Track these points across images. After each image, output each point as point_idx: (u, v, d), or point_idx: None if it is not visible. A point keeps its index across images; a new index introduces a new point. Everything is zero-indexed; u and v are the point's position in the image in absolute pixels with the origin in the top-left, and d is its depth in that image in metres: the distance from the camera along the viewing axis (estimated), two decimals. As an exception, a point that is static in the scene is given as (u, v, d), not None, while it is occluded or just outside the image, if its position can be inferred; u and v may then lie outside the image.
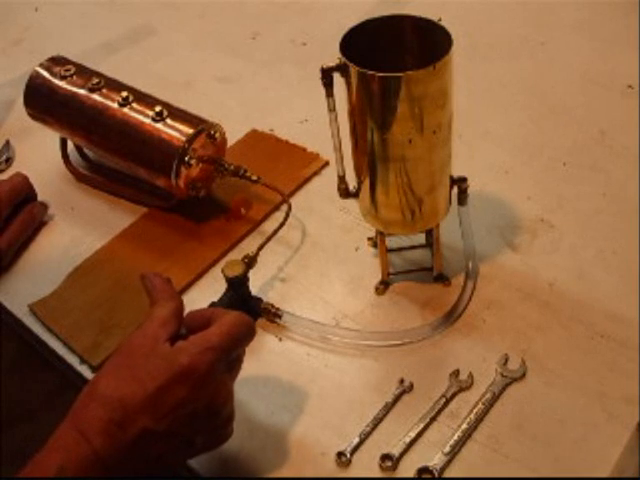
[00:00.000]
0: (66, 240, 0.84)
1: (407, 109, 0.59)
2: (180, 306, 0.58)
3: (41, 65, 0.87)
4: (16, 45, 1.20)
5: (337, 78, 0.61)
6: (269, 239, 0.76)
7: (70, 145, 0.92)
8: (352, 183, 0.70)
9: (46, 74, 0.86)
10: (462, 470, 0.59)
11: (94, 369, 0.69)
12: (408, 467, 0.60)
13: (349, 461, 0.60)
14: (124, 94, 0.82)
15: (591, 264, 0.73)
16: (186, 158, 0.77)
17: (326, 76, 0.62)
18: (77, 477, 0.51)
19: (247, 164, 0.81)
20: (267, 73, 1.06)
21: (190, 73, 1.08)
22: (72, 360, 0.71)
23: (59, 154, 0.91)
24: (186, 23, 1.21)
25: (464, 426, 0.61)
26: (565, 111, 0.92)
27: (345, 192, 0.70)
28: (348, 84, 0.61)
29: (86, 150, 0.92)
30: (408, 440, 0.61)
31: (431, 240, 0.72)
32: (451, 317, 0.69)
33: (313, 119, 0.95)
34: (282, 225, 0.77)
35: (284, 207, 0.79)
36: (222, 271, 0.70)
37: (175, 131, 0.78)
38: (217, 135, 0.80)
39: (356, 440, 0.61)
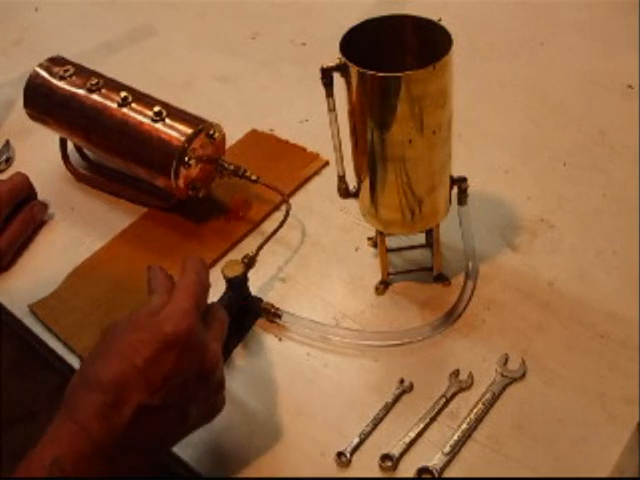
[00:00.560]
0: (66, 240, 0.84)
1: (407, 109, 0.59)
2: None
3: (40, 65, 0.87)
4: (16, 45, 1.20)
5: (337, 78, 0.61)
6: (269, 239, 0.76)
7: (70, 145, 0.92)
8: (352, 183, 0.70)
9: (45, 74, 0.86)
10: (462, 470, 0.59)
11: (94, 369, 0.69)
12: (408, 467, 0.60)
13: (349, 461, 0.60)
14: (123, 94, 0.82)
15: (591, 264, 0.73)
16: (185, 158, 0.77)
17: (326, 76, 0.62)
18: (75, 475, 0.50)
19: (247, 164, 0.81)
20: (267, 73, 1.06)
21: (190, 73, 1.08)
22: (72, 360, 0.71)
23: (59, 154, 0.91)
24: (186, 23, 1.21)
25: (464, 426, 0.61)
26: (565, 111, 0.92)
27: (345, 192, 0.70)
28: (348, 84, 0.61)
29: (86, 150, 0.92)
30: (408, 440, 0.61)
31: (431, 240, 0.72)
32: (451, 317, 0.69)
33: (313, 119, 0.95)
34: (282, 225, 0.77)
35: (284, 207, 0.79)
36: (222, 271, 0.70)
37: (174, 131, 0.78)
38: (216, 135, 0.80)
39: (356, 440, 0.61)
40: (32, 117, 0.89)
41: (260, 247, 0.75)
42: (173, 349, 0.52)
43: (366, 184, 0.67)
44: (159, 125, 0.79)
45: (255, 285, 0.74)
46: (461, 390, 0.64)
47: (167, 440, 0.56)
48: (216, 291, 0.70)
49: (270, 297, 0.74)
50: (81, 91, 0.84)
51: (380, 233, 0.70)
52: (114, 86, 0.84)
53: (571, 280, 0.72)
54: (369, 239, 0.77)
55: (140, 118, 0.80)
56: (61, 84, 0.85)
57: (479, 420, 0.62)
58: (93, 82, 0.84)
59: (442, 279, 0.73)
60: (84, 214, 0.87)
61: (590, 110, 0.92)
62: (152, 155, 0.79)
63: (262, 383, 0.67)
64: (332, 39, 0.61)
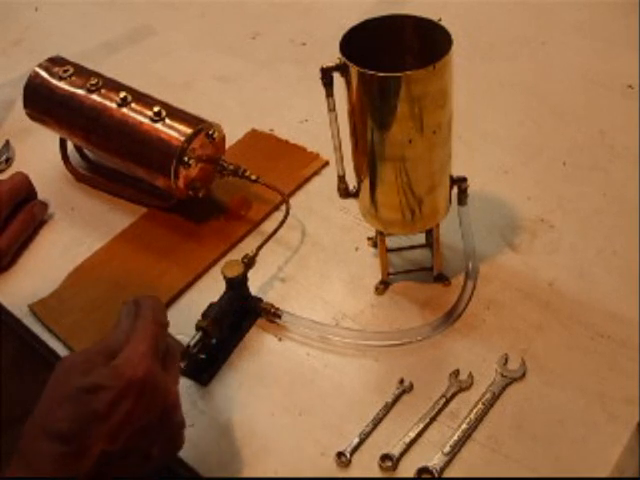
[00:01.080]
0: (66, 240, 0.83)
1: (407, 109, 0.59)
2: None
3: (40, 65, 0.87)
4: (16, 45, 1.20)
5: (337, 78, 0.61)
6: (269, 239, 0.76)
7: (70, 145, 0.92)
8: (352, 183, 0.70)
9: (45, 74, 0.86)
10: (462, 470, 0.59)
11: (94, 369, 0.69)
12: (408, 467, 0.60)
13: (349, 461, 0.60)
14: (123, 94, 0.82)
15: (591, 264, 0.73)
16: (185, 158, 0.77)
17: (326, 76, 0.62)
18: None
19: (247, 164, 0.81)
20: (267, 73, 1.06)
21: (190, 73, 1.08)
22: (72, 360, 0.71)
23: (59, 154, 0.91)
24: (186, 23, 1.21)
25: (464, 426, 0.61)
26: (565, 111, 0.92)
27: (345, 192, 0.70)
28: (348, 84, 0.61)
29: (86, 150, 0.92)
30: (408, 440, 0.61)
31: (431, 240, 0.72)
32: (451, 317, 0.69)
33: (313, 119, 0.95)
34: (281, 225, 0.77)
35: (284, 207, 0.79)
36: (222, 271, 0.70)
37: (174, 131, 0.78)
38: (216, 135, 0.80)
39: (356, 440, 0.61)
40: (32, 117, 0.89)
41: (260, 247, 0.75)
42: (133, 394, 0.51)
43: (366, 184, 0.67)
44: (159, 125, 0.79)
45: (255, 285, 0.74)
46: (461, 390, 0.64)
47: None
48: (216, 291, 0.71)
49: (270, 297, 0.74)
50: (81, 91, 0.84)
51: (380, 233, 0.70)
52: (114, 86, 0.84)
53: (571, 280, 0.72)
54: (369, 239, 0.77)
55: (140, 118, 0.80)
56: (61, 84, 0.85)
57: (479, 420, 0.62)
58: (93, 82, 0.84)
59: (442, 279, 0.73)
60: (84, 214, 0.87)
61: (590, 110, 0.92)
62: (152, 155, 0.79)
63: (262, 383, 0.67)
64: (332, 39, 0.61)
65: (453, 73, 0.61)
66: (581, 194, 0.81)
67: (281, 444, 0.63)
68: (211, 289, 0.73)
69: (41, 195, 0.87)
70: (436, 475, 0.59)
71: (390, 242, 0.73)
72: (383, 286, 0.73)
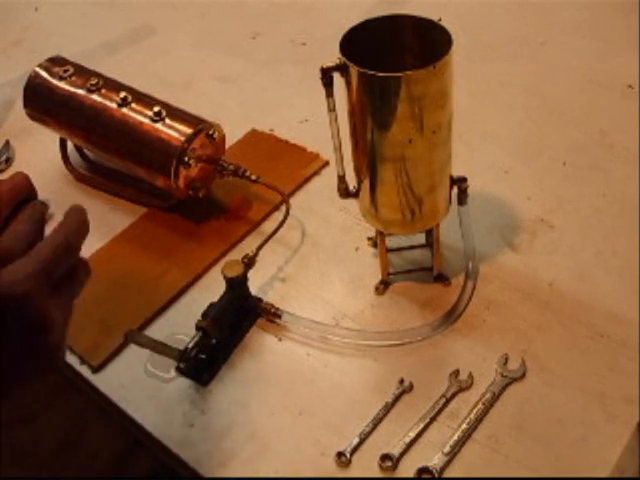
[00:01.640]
0: (66, 240, 0.83)
1: (407, 109, 0.59)
2: None
3: (40, 65, 0.87)
4: (16, 45, 1.20)
5: (337, 78, 0.61)
6: (269, 239, 0.76)
7: (70, 145, 0.92)
8: (352, 183, 0.70)
9: (45, 74, 0.86)
10: (462, 470, 0.59)
11: (94, 369, 0.70)
12: (408, 467, 0.60)
13: (349, 461, 0.60)
14: (123, 94, 0.82)
15: (591, 264, 0.73)
16: (185, 158, 0.77)
17: (326, 76, 0.62)
18: None
19: (247, 164, 0.81)
20: (267, 73, 1.06)
21: (190, 73, 1.08)
22: (72, 360, 0.71)
23: (59, 154, 0.92)
24: (186, 23, 1.21)
25: (464, 426, 0.61)
26: (565, 111, 0.92)
27: (345, 192, 0.70)
28: (348, 84, 0.61)
29: (86, 150, 0.92)
30: (408, 440, 0.61)
31: (431, 240, 0.72)
32: (451, 317, 0.69)
33: (313, 119, 0.95)
34: (281, 225, 0.77)
35: (284, 207, 0.79)
36: (222, 271, 0.70)
37: (174, 131, 0.78)
38: (216, 135, 0.80)
39: (356, 440, 0.61)
40: (32, 117, 0.89)
41: (260, 247, 0.75)
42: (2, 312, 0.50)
43: (366, 184, 0.67)
44: (159, 125, 0.79)
45: (255, 285, 0.74)
46: (461, 390, 0.64)
47: None
48: (216, 291, 0.71)
49: (270, 297, 0.74)
50: (81, 91, 0.84)
51: (380, 233, 0.70)
52: (114, 86, 0.84)
53: (571, 280, 0.72)
54: (369, 239, 0.77)
55: (140, 118, 0.80)
56: (61, 84, 0.85)
57: (479, 420, 0.62)
58: (93, 82, 0.84)
59: (442, 279, 0.73)
60: (84, 214, 0.87)
61: (590, 110, 0.92)
62: (152, 155, 0.79)
63: (262, 383, 0.67)
64: (332, 39, 0.61)
65: (453, 73, 0.61)
66: (581, 194, 0.81)
67: (281, 444, 0.63)
68: (211, 289, 0.73)
69: (41, 195, 0.86)
70: (436, 475, 0.59)
71: (390, 242, 0.73)
72: (383, 286, 0.73)
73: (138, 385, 0.68)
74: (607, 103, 0.92)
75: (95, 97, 0.83)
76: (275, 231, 0.77)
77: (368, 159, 0.64)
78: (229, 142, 0.84)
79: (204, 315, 0.68)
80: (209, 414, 0.65)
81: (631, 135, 0.86)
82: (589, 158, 0.85)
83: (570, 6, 1.09)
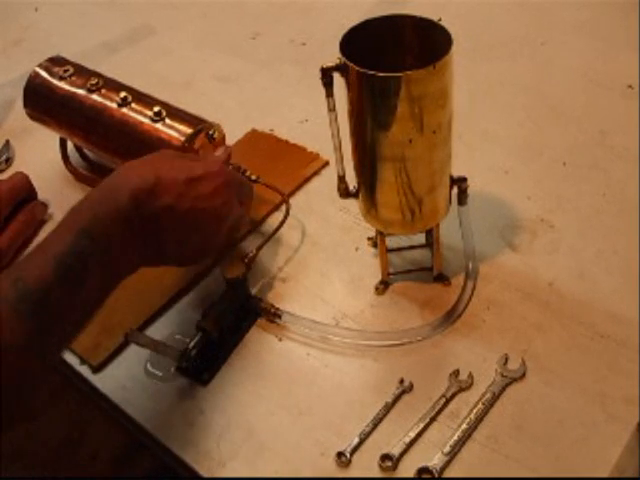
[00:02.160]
0: (66, 240, 0.83)
1: (407, 109, 0.59)
2: None
3: (40, 65, 0.87)
4: (16, 45, 1.20)
5: (337, 78, 0.61)
6: (269, 239, 0.76)
7: (70, 145, 0.92)
8: (352, 183, 0.70)
9: (45, 74, 0.86)
10: (462, 470, 0.59)
11: (94, 369, 0.70)
12: (408, 467, 0.60)
13: (349, 461, 0.60)
14: (123, 94, 0.82)
15: (591, 264, 0.73)
16: (186, 158, 0.77)
17: (326, 76, 0.62)
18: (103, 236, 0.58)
19: (247, 164, 0.81)
20: (267, 73, 1.06)
21: (190, 73, 1.08)
22: (72, 360, 0.71)
23: (59, 154, 0.92)
24: (186, 23, 1.21)
25: (464, 426, 0.61)
26: (565, 111, 0.92)
27: (345, 192, 0.70)
28: (348, 84, 0.61)
29: (86, 150, 0.92)
30: (408, 440, 0.61)
31: (431, 240, 0.72)
32: (451, 317, 0.69)
33: (313, 119, 0.95)
34: (281, 225, 0.77)
35: (284, 207, 0.79)
36: (222, 271, 0.70)
37: (174, 131, 0.78)
38: (216, 135, 0.80)
39: (356, 440, 0.61)
40: (32, 117, 0.89)
41: (260, 247, 0.75)
42: (212, 181, 0.65)
43: (366, 184, 0.67)
44: (159, 125, 0.79)
45: (255, 285, 0.74)
46: (461, 390, 0.64)
47: (171, 254, 0.64)
48: (216, 291, 0.71)
49: (270, 297, 0.74)
50: (81, 91, 0.84)
51: (380, 233, 0.70)
52: (114, 86, 0.84)
53: (571, 280, 0.72)
54: (369, 239, 0.77)
55: (140, 118, 0.80)
56: (61, 84, 0.85)
57: (479, 420, 0.62)
58: (93, 82, 0.84)
59: (442, 279, 0.73)
60: (84, 214, 0.86)
61: (590, 110, 0.92)
62: (152, 155, 0.79)
63: (262, 383, 0.67)
64: (332, 39, 0.61)
65: (453, 73, 0.61)
66: (581, 194, 0.81)
67: (281, 444, 0.63)
68: (211, 289, 0.73)
69: (41, 195, 0.87)
70: (436, 475, 0.59)
71: (390, 242, 0.73)
72: (383, 286, 0.73)
73: (138, 385, 0.68)
74: (607, 103, 0.92)
75: (95, 97, 0.83)
76: (275, 231, 0.77)
77: (368, 159, 0.64)
78: (229, 142, 0.84)
79: (204, 315, 0.68)
80: (209, 414, 0.65)
81: (631, 135, 0.86)
82: (589, 158, 0.85)
83: (570, 6, 1.09)
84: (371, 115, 0.61)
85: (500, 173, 0.85)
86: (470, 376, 0.65)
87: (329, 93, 0.63)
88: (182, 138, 0.78)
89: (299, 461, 0.61)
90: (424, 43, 0.63)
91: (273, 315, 0.71)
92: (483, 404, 0.63)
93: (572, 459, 0.59)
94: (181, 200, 0.62)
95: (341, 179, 0.70)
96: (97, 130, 0.83)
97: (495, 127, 0.91)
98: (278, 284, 0.76)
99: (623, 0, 1.08)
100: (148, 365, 0.69)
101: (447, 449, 0.60)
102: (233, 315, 0.70)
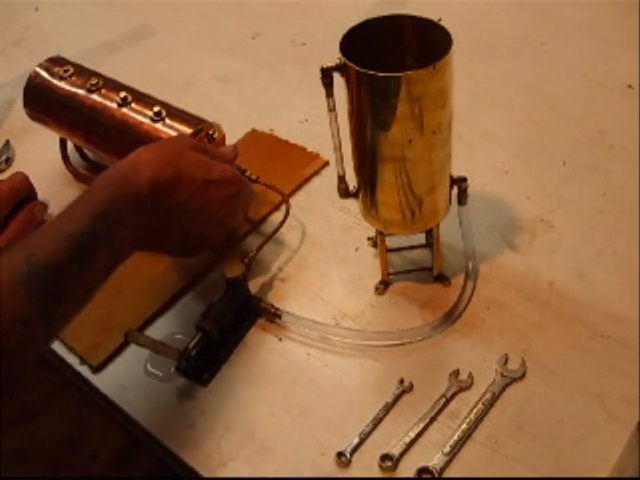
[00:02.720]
0: (66, 240, 0.83)
1: (407, 109, 0.59)
2: None
3: (40, 65, 0.87)
4: (16, 45, 1.20)
5: (337, 78, 0.61)
6: (269, 239, 0.76)
7: (70, 145, 0.92)
8: (352, 183, 0.70)
9: (45, 74, 0.86)
10: (462, 470, 0.59)
11: (94, 369, 0.70)
12: (408, 467, 0.60)
13: (349, 461, 0.60)
14: (123, 94, 0.82)
15: (591, 264, 0.73)
16: (186, 158, 0.77)
17: (326, 76, 0.62)
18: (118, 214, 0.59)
19: (247, 164, 0.81)
20: (267, 73, 1.06)
21: (190, 73, 1.08)
22: (72, 360, 0.71)
23: (59, 154, 0.91)
24: (186, 23, 1.21)
25: (464, 426, 0.61)
26: (565, 111, 0.92)
27: (345, 192, 0.70)
28: (348, 84, 0.61)
29: (86, 150, 0.92)
30: (408, 440, 0.61)
31: (431, 240, 0.72)
32: (451, 317, 0.69)
33: (313, 119, 0.95)
34: (281, 225, 0.77)
35: (284, 207, 0.79)
36: (222, 271, 0.70)
37: (174, 131, 0.78)
38: (216, 135, 0.80)
39: (356, 440, 0.61)
40: (32, 117, 0.89)
41: (260, 247, 0.75)
42: (227, 187, 0.69)
43: (366, 184, 0.67)
44: (159, 125, 0.79)
45: (255, 285, 0.74)
46: (461, 390, 0.64)
47: (177, 248, 0.69)
48: (216, 291, 0.71)
49: (270, 297, 0.74)
50: (81, 91, 0.84)
51: (380, 233, 0.70)
52: (114, 86, 0.84)
53: (571, 280, 0.72)
54: (369, 239, 0.77)
55: (140, 118, 0.80)
56: (61, 84, 0.85)
57: (479, 420, 0.62)
58: (93, 82, 0.84)
59: (442, 279, 0.73)
60: (84, 214, 0.86)
61: (590, 110, 0.92)
62: (152, 155, 0.79)
63: (262, 383, 0.67)
64: (332, 39, 0.61)
65: (453, 73, 0.61)
66: (581, 194, 0.81)
67: (281, 444, 0.63)
68: (211, 289, 0.73)
69: (41, 195, 0.87)
70: (436, 475, 0.59)
71: (390, 242, 0.73)
72: (383, 286, 0.73)
73: (138, 385, 0.68)
74: (607, 103, 0.92)
75: (95, 97, 0.83)
76: (275, 231, 0.77)
77: (368, 159, 0.64)
78: (229, 142, 0.84)
79: (204, 315, 0.68)
80: (209, 414, 0.65)
81: (631, 135, 0.86)
82: (589, 158, 0.85)
83: (570, 6, 1.09)
84: (371, 115, 0.61)
85: (500, 173, 0.85)
86: (470, 376, 0.65)
87: (329, 93, 0.63)
88: (182, 138, 0.77)
89: (299, 461, 0.61)
90: (424, 43, 0.63)
91: (273, 315, 0.71)
92: (483, 404, 0.63)
93: (572, 459, 0.59)
94: (193, 200, 0.65)
95: (341, 179, 0.70)
96: (97, 130, 0.83)
97: (495, 127, 0.91)
98: (278, 284, 0.76)
99: (623, 0, 1.08)
100: (148, 365, 0.69)
101: (447, 449, 0.60)
102: (233, 315, 0.70)
